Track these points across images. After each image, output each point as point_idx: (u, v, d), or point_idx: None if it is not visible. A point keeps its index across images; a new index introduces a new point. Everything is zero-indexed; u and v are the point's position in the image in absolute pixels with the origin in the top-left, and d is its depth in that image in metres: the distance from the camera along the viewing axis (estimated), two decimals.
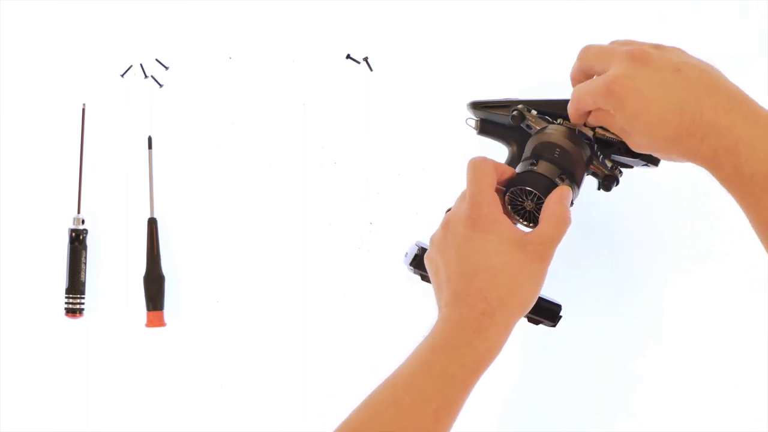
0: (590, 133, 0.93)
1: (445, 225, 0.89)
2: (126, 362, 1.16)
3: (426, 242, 0.99)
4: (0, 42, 1.17)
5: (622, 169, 0.96)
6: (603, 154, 0.94)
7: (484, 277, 0.85)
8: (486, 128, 1.01)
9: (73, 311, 1.15)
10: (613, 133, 0.90)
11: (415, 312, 1.14)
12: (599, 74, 0.85)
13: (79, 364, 1.16)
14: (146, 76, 1.18)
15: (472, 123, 1.02)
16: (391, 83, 1.17)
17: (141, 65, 1.18)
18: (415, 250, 1.00)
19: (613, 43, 0.89)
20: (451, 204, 0.93)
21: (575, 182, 0.91)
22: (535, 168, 0.91)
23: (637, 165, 0.97)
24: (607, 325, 1.16)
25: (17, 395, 1.16)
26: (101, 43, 1.18)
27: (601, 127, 0.91)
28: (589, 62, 0.88)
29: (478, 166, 0.89)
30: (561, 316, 0.99)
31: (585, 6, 1.17)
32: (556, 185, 0.90)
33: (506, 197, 0.91)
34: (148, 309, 1.16)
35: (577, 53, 0.90)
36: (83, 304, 1.16)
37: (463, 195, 0.90)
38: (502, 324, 0.85)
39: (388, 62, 1.18)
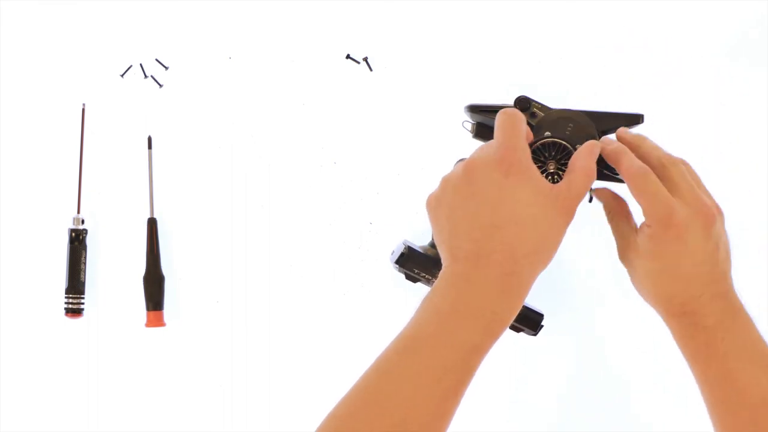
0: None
1: (469, 169, 0.80)
2: (126, 362, 1.16)
3: (414, 242, 0.98)
4: (0, 42, 1.18)
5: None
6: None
7: (514, 231, 0.78)
8: (482, 132, 1.00)
9: (73, 311, 1.15)
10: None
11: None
12: (658, 175, 0.83)
13: (79, 364, 1.16)
14: (146, 76, 1.18)
15: (468, 126, 1.01)
16: (391, 83, 1.17)
17: (141, 65, 1.18)
18: (401, 249, 1.00)
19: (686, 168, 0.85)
20: None
21: None
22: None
23: None
24: (607, 322, 1.16)
25: (17, 395, 1.16)
26: (101, 43, 1.18)
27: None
28: (672, 175, 0.83)
29: (512, 114, 0.82)
30: (543, 326, 0.98)
31: (586, 8, 1.17)
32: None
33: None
34: (148, 309, 1.16)
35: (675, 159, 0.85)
36: (83, 304, 1.16)
37: (489, 143, 0.82)
38: (526, 284, 0.79)
39: (388, 62, 1.18)
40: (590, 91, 1.16)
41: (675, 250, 0.81)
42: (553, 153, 0.87)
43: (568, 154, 0.87)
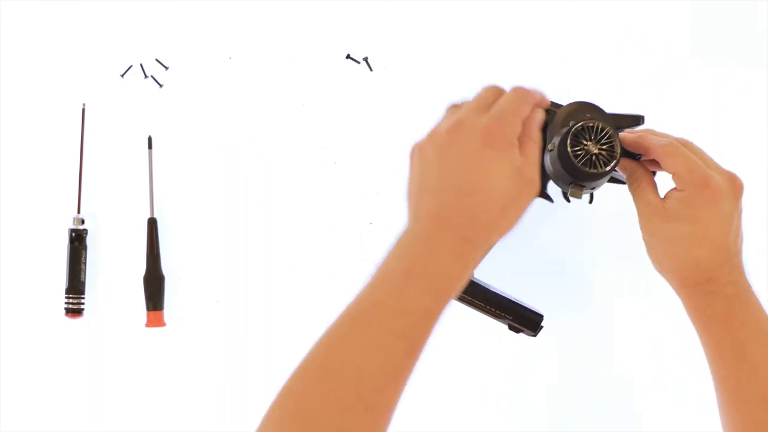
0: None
1: (454, 129, 0.81)
2: (126, 362, 1.16)
3: None
4: (0, 42, 1.18)
5: (616, 185, 0.94)
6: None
7: (479, 199, 0.78)
8: None
9: (73, 311, 1.15)
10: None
11: None
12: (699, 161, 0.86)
13: (79, 364, 1.16)
14: (146, 76, 1.18)
15: None
16: (391, 83, 1.17)
17: (141, 65, 1.18)
18: None
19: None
20: None
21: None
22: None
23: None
24: (607, 323, 1.16)
25: (17, 395, 1.16)
26: (101, 43, 1.18)
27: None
28: (694, 151, 0.87)
29: (523, 94, 0.83)
30: (542, 326, 0.99)
31: (586, 8, 1.17)
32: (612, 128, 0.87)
33: (569, 140, 0.86)
34: (148, 309, 1.16)
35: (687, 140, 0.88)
36: (83, 304, 1.16)
37: (485, 104, 0.83)
38: (481, 253, 0.80)
39: (388, 62, 1.18)
40: (590, 91, 1.16)
41: (708, 212, 0.84)
42: (592, 136, 0.87)
43: (606, 135, 0.87)
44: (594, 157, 0.87)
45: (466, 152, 0.80)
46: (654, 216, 0.87)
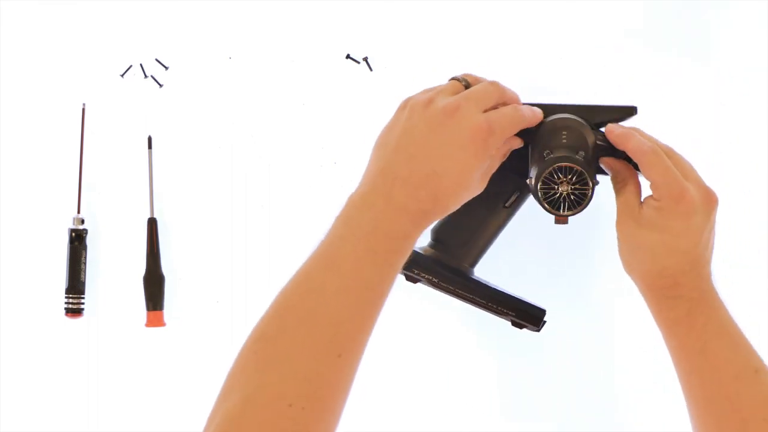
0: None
1: (452, 112, 0.84)
2: (126, 362, 1.16)
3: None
4: (0, 42, 1.18)
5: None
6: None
7: (447, 185, 0.83)
8: None
9: (73, 311, 1.15)
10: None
11: (415, 312, 1.14)
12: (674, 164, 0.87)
13: (79, 364, 1.16)
14: (146, 76, 1.18)
15: None
16: (391, 83, 1.17)
17: (141, 65, 1.18)
18: None
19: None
20: None
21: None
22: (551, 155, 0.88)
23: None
24: (607, 322, 1.16)
25: (17, 395, 1.16)
26: (101, 43, 1.18)
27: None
28: (675, 161, 0.87)
29: (521, 116, 0.87)
30: (545, 321, 0.99)
31: (586, 8, 1.17)
32: (583, 162, 0.88)
33: (539, 186, 0.87)
34: (148, 309, 1.16)
35: (670, 150, 0.89)
36: (83, 304, 1.16)
37: (485, 101, 0.86)
38: (430, 223, 0.85)
39: (388, 62, 1.18)
40: (590, 91, 1.16)
41: (680, 225, 0.84)
42: (562, 176, 0.87)
43: (578, 174, 0.87)
44: (566, 197, 0.87)
45: (451, 139, 0.83)
46: (629, 220, 0.88)
